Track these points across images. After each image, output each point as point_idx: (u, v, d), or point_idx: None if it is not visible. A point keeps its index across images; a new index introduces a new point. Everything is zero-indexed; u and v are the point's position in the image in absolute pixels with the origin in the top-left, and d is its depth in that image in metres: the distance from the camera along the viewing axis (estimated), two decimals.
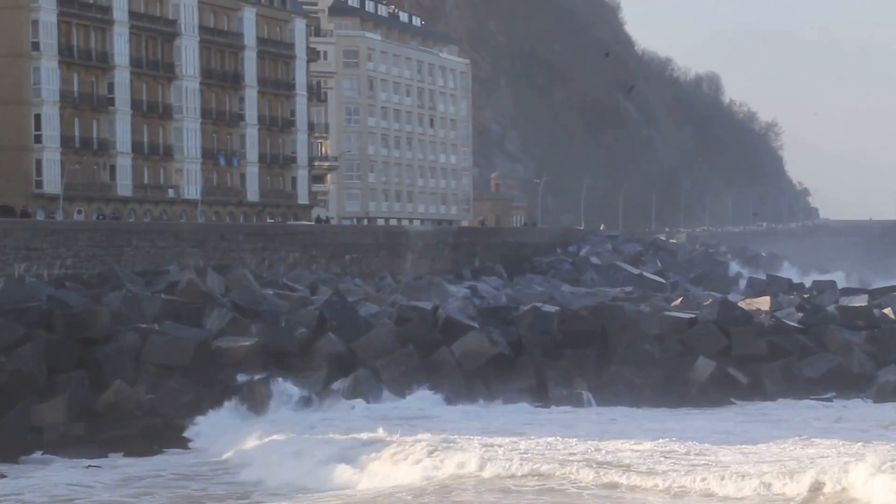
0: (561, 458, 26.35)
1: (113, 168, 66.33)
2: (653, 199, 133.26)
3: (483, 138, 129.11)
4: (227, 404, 33.47)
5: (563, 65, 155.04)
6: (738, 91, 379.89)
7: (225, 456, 29.92)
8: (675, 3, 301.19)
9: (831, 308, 43.03)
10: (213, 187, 72.62)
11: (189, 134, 71.22)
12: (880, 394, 36.13)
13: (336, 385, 36.02)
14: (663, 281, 65.00)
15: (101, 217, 59.74)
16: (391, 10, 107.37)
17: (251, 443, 30.33)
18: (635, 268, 72.67)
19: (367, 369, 36.62)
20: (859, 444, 27.11)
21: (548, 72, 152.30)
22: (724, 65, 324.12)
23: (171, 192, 69.39)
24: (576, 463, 25.67)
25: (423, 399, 35.87)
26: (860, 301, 44.11)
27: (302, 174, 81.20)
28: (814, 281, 64.33)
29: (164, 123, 69.92)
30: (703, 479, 23.82)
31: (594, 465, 25.38)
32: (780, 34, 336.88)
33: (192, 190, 70.01)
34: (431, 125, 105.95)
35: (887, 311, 41.62)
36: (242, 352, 36.31)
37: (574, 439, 28.66)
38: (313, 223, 73.22)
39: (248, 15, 76.50)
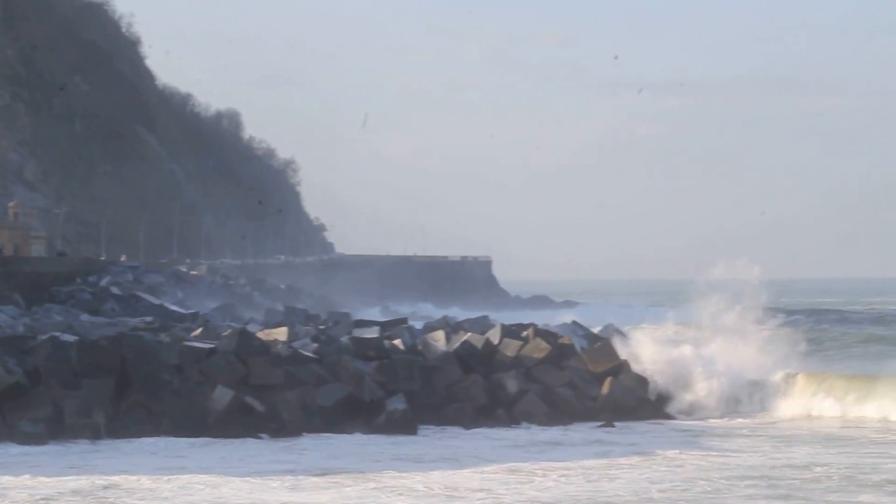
0: None
1: None
2: (175, 230, 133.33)
3: (1, 167, 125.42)
4: None
5: (84, 96, 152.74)
6: (257, 128, 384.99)
7: None
8: (195, 41, 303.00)
9: (345, 339, 44.46)
10: None
11: None
12: (388, 422, 37.97)
13: None
14: (184, 311, 65.40)
15: None
16: None
17: None
18: (156, 298, 72.71)
19: None
20: None
21: (69, 102, 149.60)
22: (244, 102, 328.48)
23: None
24: None
25: None
26: (372, 333, 45.75)
27: None
28: (329, 312, 66.50)
29: None
30: None
31: None
32: (286, 77, 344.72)
33: None
34: None
35: (397, 342, 43.44)
36: None
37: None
38: None
39: None
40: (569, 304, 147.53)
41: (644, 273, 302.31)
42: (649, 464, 29.47)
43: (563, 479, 27.54)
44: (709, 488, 26.01)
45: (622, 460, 30.27)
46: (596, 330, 46.90)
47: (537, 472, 28.58)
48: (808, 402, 41.58)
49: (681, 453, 31.36)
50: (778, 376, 43.02)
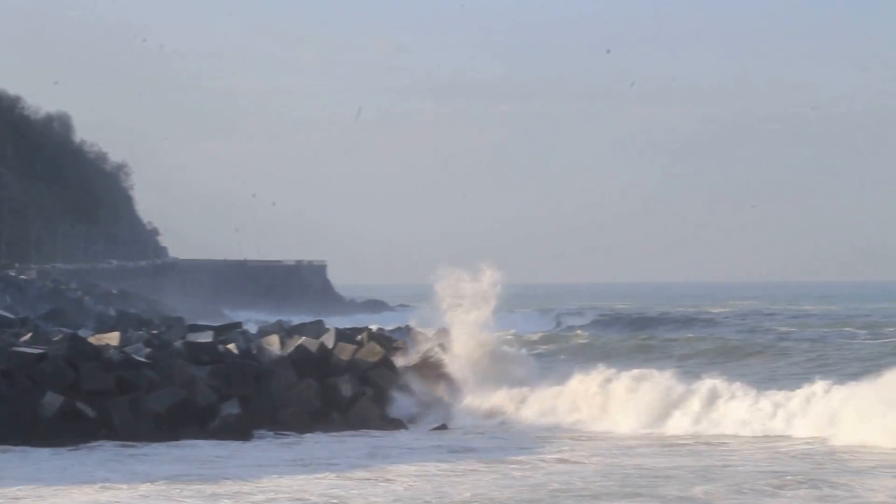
0: None
1: None
2: (1, 234, 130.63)
3: None
4: None
5: None
6: (89, 132, 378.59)
7: None
8: (23, 43, 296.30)
9: (178, 343, 44.13)
10: None
11: None
12: (223, 427, 37.80)
13: None
14: (13, 316, 64.19)
15: None
16: None
17: None
18: None
19: None
20: None
21: None
22: (75, 105, 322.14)
23: None
24: None
25: None
26: (205, 337, 45.50)
27: None
28: (162, 317, 65.96)
29: None
30: None
31: None
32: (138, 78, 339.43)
33: None
34: None
35: (231, 346, 43.28)
36: None
37: None
38: None
39: None
40: (404, 309, 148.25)
41: None
42: (492, 468, 29.64)
43: (413, 483, 27.45)
44: (561, 488, 26.36)
45: (463, 465, 30.32)
46: (431, 333, 47.25)
47: (385, 477, 28.49)
48: None
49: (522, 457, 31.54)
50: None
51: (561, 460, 30.83)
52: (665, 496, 25.20)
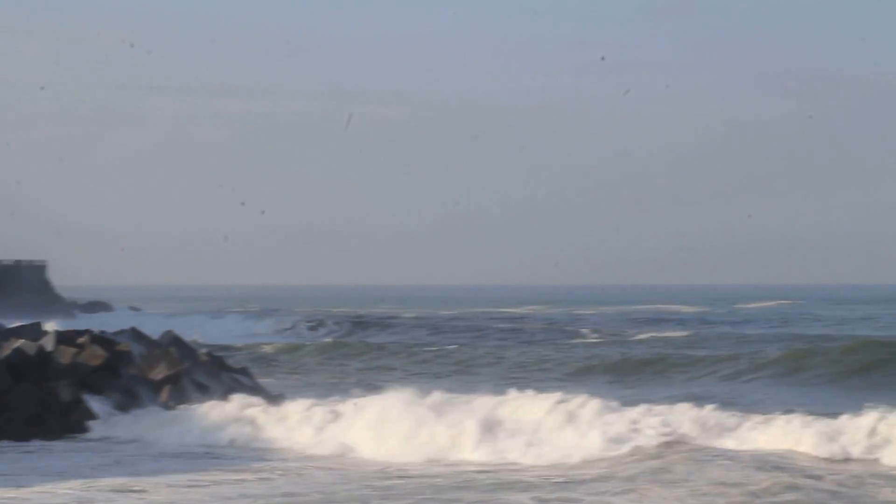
0: None
1: None
2: None
3: None
4: None
5: None
6: None
7: None
8: None
9: None
10: None
11: None
12: None
13: None
14: None
15: None
16: None
17: None
18: None
19: None
20: None
21: None
22: None
23: None
24: None
25: None
26: None
27: None
28: None
29: None
30: None
31: None
32: None
33: None
34: None
35: None
36: None
37: None
38: None
39: None
40: (131, 311, 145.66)
41: (217, 280, 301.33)
42: (240, 476, 28.59)
43: (178, 493, 26.23)
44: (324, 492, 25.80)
45: (211, 475, 29.04)
46: (155, 337, 46.34)
47: (138, 486, 27.19)
48: None
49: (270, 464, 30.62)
50: None
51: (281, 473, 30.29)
52: None
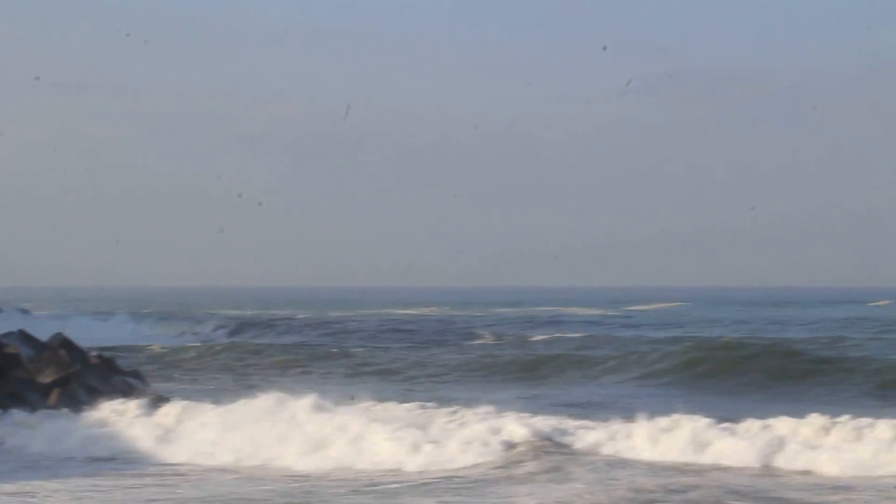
0: None
1: None
2: None
3: None
4: None
5: None
6: None
7: None
8: None
9: None
10: None
11: None
12: None
13: None
14: None
15: None
16: None
17: None
18: None
19: None
20: None
21: None
22: None
23: None
24: None
25: None
26: None
27: None
28: None
29: None
30: None
31: None
32: None
33: None
34: None
35: None
36: None
37: None
38: None
39: None
40: (21, 313, 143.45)
41: (113, 280, 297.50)
42: (143, 481, 28.11)
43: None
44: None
45: (113, 480, 28.53)
46: (44, 339, 45.73)
47: (38, 492, 26.52)
48: None
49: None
50: None
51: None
52: None
